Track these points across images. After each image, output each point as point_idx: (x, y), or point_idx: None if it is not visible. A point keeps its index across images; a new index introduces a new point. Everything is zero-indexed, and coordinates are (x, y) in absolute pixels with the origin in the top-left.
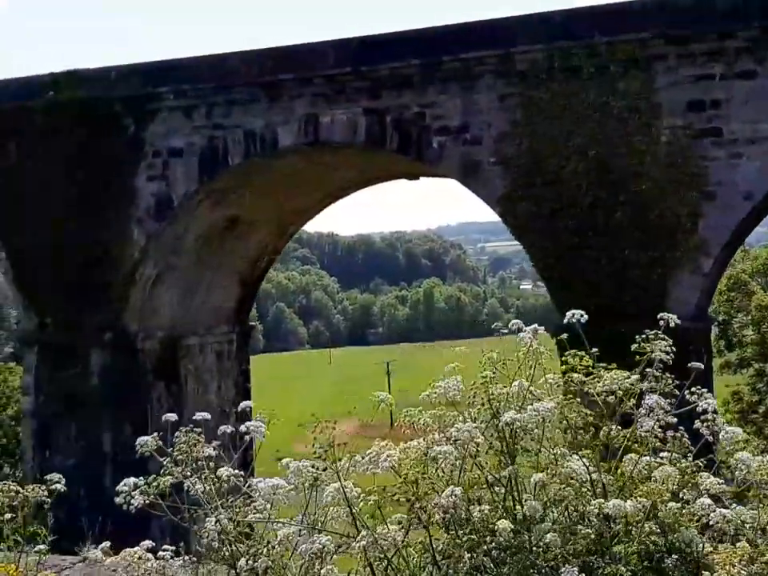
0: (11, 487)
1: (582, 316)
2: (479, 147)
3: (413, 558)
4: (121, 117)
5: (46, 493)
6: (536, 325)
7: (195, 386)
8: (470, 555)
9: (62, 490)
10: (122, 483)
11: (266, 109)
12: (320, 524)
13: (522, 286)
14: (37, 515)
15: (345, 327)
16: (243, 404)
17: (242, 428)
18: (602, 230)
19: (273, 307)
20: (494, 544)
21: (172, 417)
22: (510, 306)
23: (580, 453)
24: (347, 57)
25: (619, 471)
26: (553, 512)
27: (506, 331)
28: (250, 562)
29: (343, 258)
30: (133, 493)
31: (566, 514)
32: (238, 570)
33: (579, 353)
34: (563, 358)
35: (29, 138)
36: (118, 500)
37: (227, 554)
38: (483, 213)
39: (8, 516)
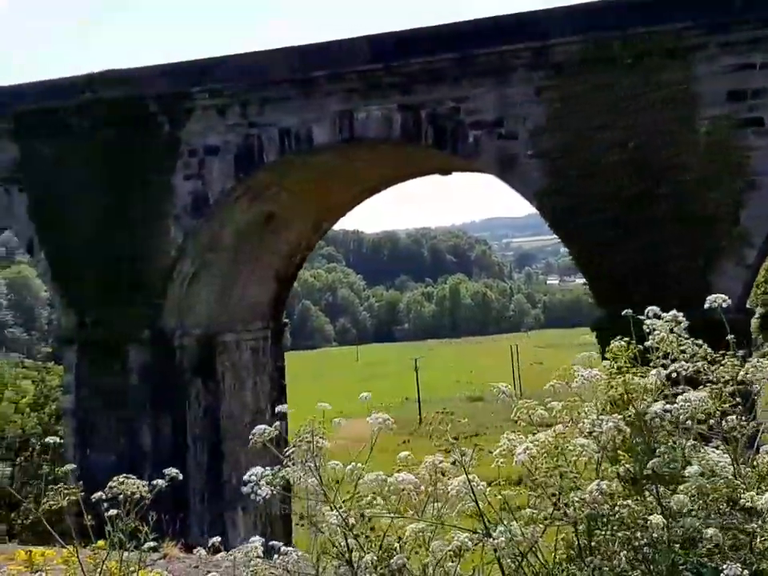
0: (124, 482)
1: (724, 301)
2: (515, 141)
3: (551, 555)
4: (156, 116)
5: (147, 488)
6: (674, 311)
7: (232, 383)
8: (625, 552)
9: (164, 486)
10: (248, 473)
11: (299, 106)
12: (446, 520)
13: (548, 282)
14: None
15: (371, 324)
16: (279, 407)
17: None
18: (641, 222)
19: (299, 305)
20: (644, 540)
21: (284, 408)
22: (536, 301)
23: (713, 444)
24: (380, 52)
25: (755, 463)
26: (697, 505)
27: (642, 317)
28: (375, 558)
29: (368, 255)
30: (260, 483)
31: (709, 507)
32: (356, 567)
33: (697, 341)
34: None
35: (65, 138)
36: (245, 489)
37: (344, 548)
38: (508, 208)
39: (113, 512)
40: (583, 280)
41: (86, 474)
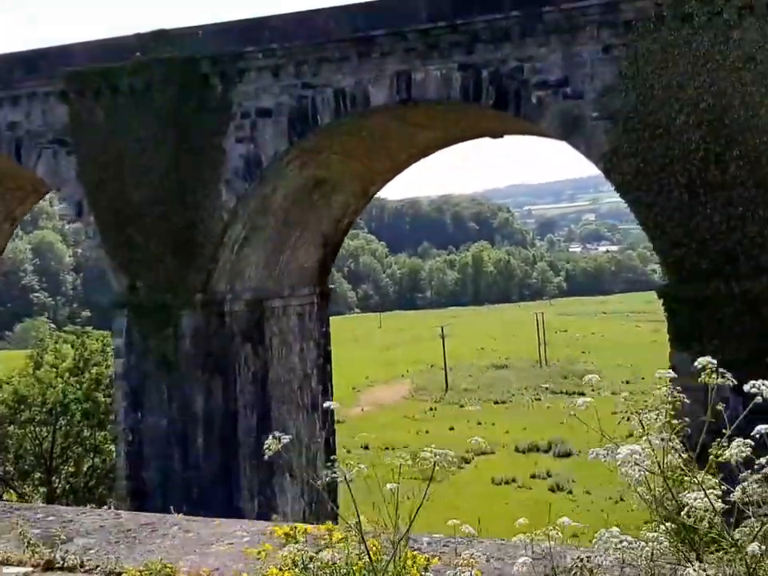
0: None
1: None
2: (581, 101)
3: None
4: (208, 77)
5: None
6: None
7: (280, 348)
8: None
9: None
10: (623, 451)
11: (356, 66)
12: None
13: (570, 249)
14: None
15: (393, 291)
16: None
17: None
18: (716, 185)
19: None
20: None
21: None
22: (559, 269)
23: None
24: (442, 10)
25: None
26: None
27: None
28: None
29: (391, 222)
30: (635, 462)
31: None
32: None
33: None
34: None
35: (116, 99)
36: (622, 471)
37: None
38: (529, 176)
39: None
40: (605, 248)
41: (138, 438)
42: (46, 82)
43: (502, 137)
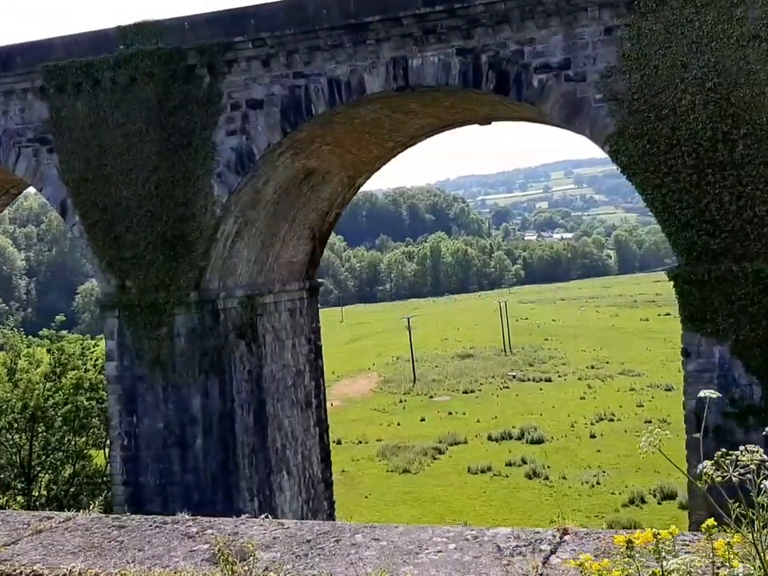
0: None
1: None
2: (584, 84)
3: None
4: (195, 68)
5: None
6: None
7: (273, 345)
8: None
9: None
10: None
11: (350, 54)
12: None
13: (526, 237)
14: None
15: (353, 285)
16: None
17: None
18: (724, 164)
19: None
20: None
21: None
22: (516, 257)
23: None
24: None
25: None
26: None
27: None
28: None
29: (347, 215)
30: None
31: None
32: None
33: None
34: None
35: (99, 94)
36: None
37: None
38: (479, 166)
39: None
40: (560, 235)
41: (134, 442)
42: (23, 77)
43: (489, 123)
